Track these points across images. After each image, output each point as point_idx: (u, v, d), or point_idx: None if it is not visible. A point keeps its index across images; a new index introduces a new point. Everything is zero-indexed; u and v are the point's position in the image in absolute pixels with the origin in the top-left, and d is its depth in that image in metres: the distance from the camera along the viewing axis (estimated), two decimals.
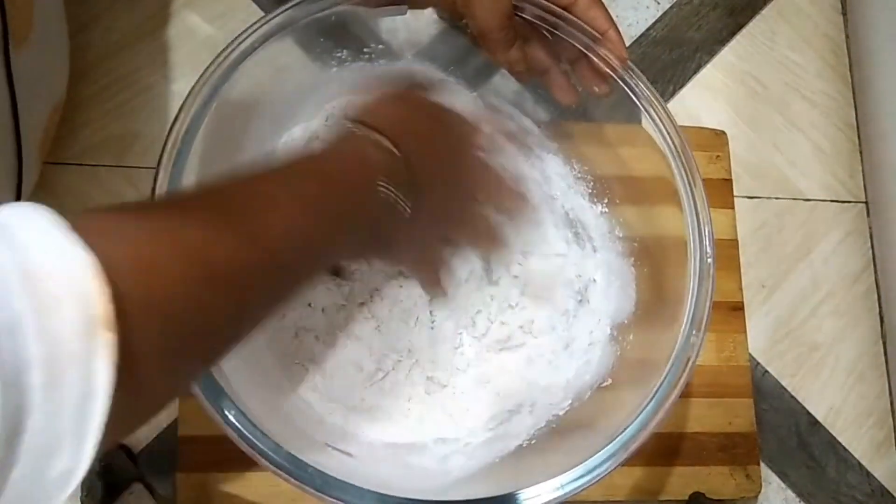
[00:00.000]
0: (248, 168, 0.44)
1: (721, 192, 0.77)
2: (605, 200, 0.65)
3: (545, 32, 0.59)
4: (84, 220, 0.31)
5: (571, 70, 0.60)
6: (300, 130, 0.65)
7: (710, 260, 0.53)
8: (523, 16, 0.58)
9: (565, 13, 0.58)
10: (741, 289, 0.75)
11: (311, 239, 0.44)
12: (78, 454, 0.29)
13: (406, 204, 0.49)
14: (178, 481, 0.63)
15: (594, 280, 0.65)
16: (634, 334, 0.60)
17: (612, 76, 0.58)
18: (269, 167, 0.45)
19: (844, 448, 0.75)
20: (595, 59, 0.58)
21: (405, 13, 0.60)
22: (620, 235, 0.63)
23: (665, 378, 0.50)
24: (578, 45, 0.58)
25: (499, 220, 0.61)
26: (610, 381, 0.58)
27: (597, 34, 0.57)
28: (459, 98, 0.64)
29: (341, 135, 0.50)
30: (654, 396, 0.50)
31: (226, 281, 0.37)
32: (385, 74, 0.66)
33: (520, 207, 0.63)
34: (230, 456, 0.47)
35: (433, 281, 0.61)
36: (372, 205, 0.47)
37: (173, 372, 0.36)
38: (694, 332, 0.52)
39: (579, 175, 0.66)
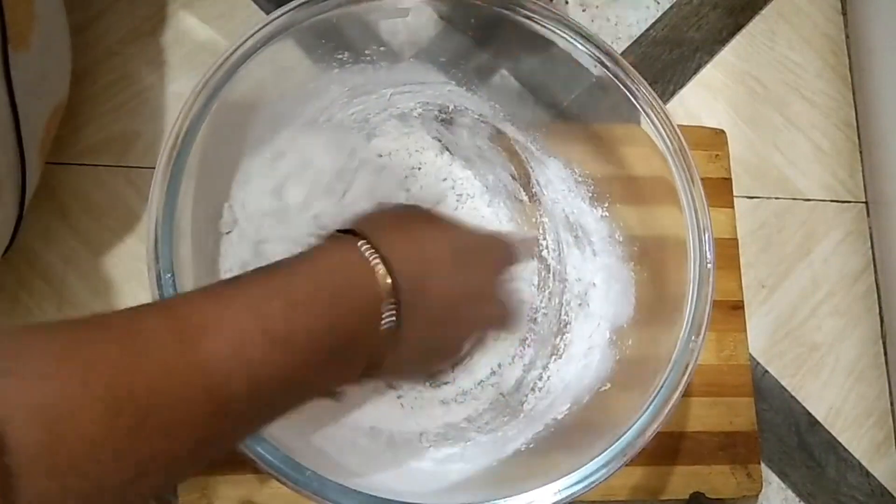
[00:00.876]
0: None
1: (721, 191, 0.78)
2: (606, 204, 0.65)
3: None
4: None
5: None
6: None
7: (709, 265, 0.53)
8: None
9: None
10: (741, 288, 0.75)
11: (289, 380, 0.37)
12: None
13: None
14: (178, 483, 0.63)
15: (594, 284, 0.65)
16: (633, 339, 0.60)
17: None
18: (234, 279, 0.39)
19: (844, 448, 0.76)
20: None
21: (407, 15, 0.60)
22: (620, 239, 0.63)
23: (664, 383, 0.50)
24: None
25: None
26: (609, 385, 0.58)
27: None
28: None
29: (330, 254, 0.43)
30: (652, 401, 0.50)
31: (157, 429, 0.30)
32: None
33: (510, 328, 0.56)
34: (230, 458, 0.46)
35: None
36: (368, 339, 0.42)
37: None
38: (693, 337, 0.52)
39: (580, 178, 0.66)
